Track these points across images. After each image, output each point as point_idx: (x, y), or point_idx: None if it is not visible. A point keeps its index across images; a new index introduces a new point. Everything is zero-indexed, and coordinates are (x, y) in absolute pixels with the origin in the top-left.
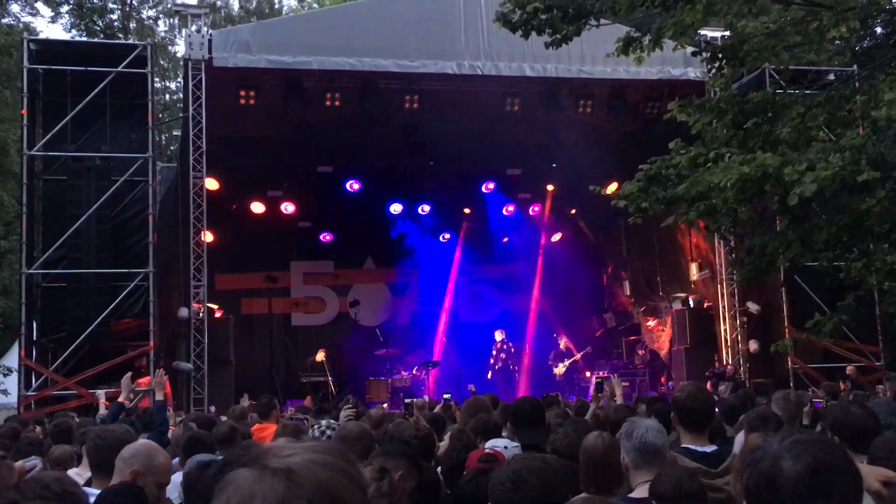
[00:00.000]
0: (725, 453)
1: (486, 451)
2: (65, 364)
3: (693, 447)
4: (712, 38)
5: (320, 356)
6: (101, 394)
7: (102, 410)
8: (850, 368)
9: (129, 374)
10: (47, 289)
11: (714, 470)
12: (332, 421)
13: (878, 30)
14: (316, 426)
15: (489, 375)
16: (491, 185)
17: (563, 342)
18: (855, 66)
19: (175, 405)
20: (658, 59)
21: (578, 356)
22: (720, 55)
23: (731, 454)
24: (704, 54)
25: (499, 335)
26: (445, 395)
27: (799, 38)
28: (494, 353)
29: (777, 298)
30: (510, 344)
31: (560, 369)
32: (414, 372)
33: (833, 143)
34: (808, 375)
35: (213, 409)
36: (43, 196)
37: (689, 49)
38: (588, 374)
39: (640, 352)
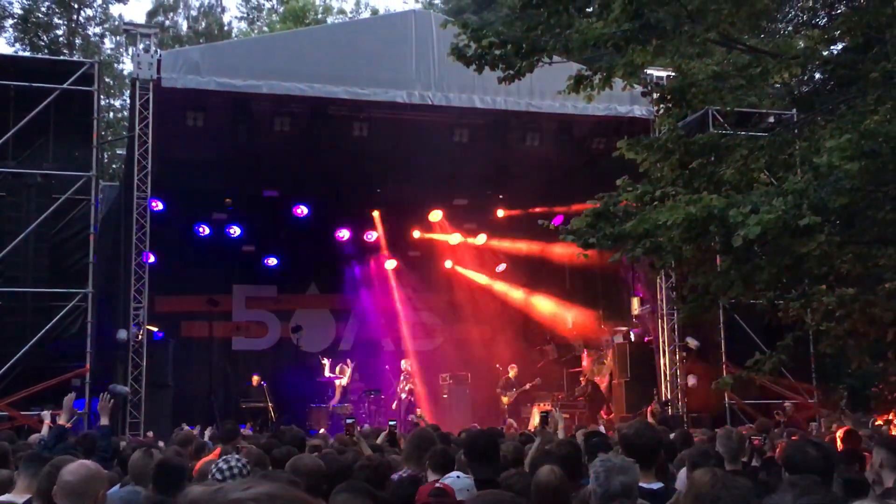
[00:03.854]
0: (671, 491)
1: (438, 485)
2: None
3: (640, 484)
4: (658, 77)
5: (255, 380)
6: (46, 414)
7: (45, 431)
8: (787, 405)
9: (73, 395)
10: None
11: None
12: (239, 457)
13: (817, 75)
14: (221, 462)
15: (394, 405)
16: (437, 214)
17: (512, 372)
18: (794, 111)
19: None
20: (605, 96)
21: (528, 386)
22: (668, 96)
23: (676, 492)
24: (654, 95)
25: (405, 364)
26: (391, 423)
27: (743, 81)
28: (401, 382)
29: (715, 334)
30: (409, 374)
31: (507, 399)
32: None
33: (776, 187)
34: (744, 411)
35: (150, 434)
36: None
37: (638, 88)
38: (528, 404)
39: (581, 383)
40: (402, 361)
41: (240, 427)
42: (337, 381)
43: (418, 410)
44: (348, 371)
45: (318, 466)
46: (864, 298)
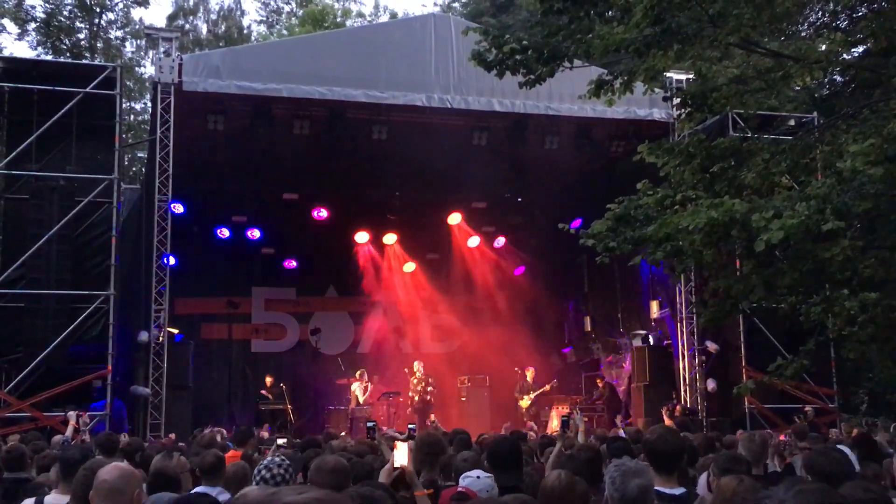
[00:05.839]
0: (693, 495)
1: (459, 489)
2: (19, 386)
3: (662, 489)
4: (678, 80)
5: (269, 381)
6: (72, 415)
7: (69, 432)
8: (808, 408)
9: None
10: (4, 309)
11: None
12: (281, 462)
13: (838, 78)
14: (264, 469)
15: (409, 410)
16: (456, 217)
17: (529, 374)
18: (815, 114)
19: (131, 430)
20: (624, 99)
21: (548, 387)
22: (689, 101)
23: (698, 497)
24: (675, 100)
25: (417, 366)
26: (410, 426)
27: (763, 84)
28: (413, 384)
29: (735, 338)
30: (428, 376)
31: (525, 402)
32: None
33: (799, 192)
34: (764, 415)
35: (172, 435)
36: (4, 215)
37: (658, 91)
38: (547, 407)
39: (599, 386)
40: (415, 363)
41: (256, 429)
42: (355, 385)
43: (432, 416)
44: (366, 379)
45: (338, 465)
46: (886, 303)
